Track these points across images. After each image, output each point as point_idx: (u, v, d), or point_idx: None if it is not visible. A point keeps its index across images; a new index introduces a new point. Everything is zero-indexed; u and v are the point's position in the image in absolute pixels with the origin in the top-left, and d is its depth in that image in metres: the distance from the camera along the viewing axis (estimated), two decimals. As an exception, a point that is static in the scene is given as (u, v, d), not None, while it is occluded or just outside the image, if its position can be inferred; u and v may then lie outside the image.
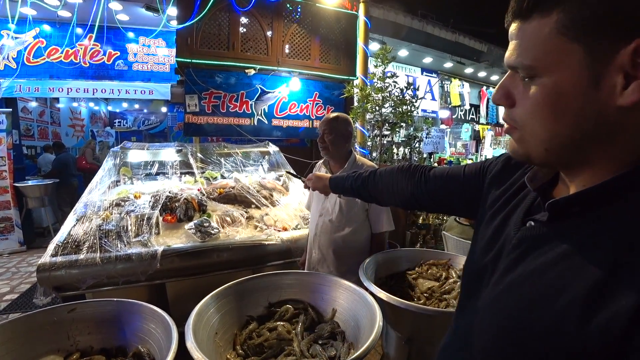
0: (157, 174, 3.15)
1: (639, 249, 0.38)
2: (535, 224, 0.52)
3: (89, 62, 5.76)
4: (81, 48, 5.66)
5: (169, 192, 2.58)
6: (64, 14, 5.13)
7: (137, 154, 3.14)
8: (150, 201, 2.49)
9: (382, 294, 1.21)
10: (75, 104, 8.93)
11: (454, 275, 1.60)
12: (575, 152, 0.46)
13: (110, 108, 10.56)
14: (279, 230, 2.48)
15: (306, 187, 1.49)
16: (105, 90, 5.84)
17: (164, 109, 9.85)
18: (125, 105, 10.37)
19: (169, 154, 3.23)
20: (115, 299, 1.23)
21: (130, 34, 5.92)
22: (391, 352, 1.47)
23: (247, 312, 1.30)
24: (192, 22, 4.07)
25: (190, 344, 0.95)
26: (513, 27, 0.47)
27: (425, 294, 1.48)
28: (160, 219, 2.36)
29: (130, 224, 2.23)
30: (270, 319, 1.31)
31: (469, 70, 10.58)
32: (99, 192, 2.63)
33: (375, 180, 1.06)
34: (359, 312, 1.19)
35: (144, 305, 1.19)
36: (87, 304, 1.26)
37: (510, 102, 0.49)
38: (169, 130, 8.76)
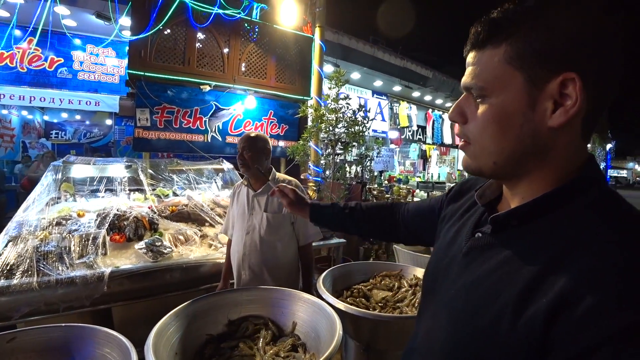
0: (104, 190, 2.96)
1: (561, 256, 0.45)
2: (482, 235, 0.59)
3: (26, 67, 5.32)
4: (19, 51, 5.22)
5: (117, 210, 2.46)
6: (3, 13, 4.73)
7: (81, 169, 2.95)
8: (96, 220, 2.34)
9: (341, 305, 1.27)
10: (4, 112, 8.07)
11: (406, 285, 1.72)
12: (517, 166, 0.53)
13: (46, 118, 9.65)
14: (230, 248, 2.46)
15: (274, 193, 1.20)
16: (44, 99, 5.41)
17: (109, 122, 9.25)
18: (64, 115, 9.54)
19: (117, 169, 3.07)
20: (63, 324, 1.16)
21: (77, 41, 5.58)
22: (350, 362, 1.52)
23: (207, 331, 1.29)
24: (147, 34, 3.96)
25: (151, 365, 0.93)
26: (470, 56, 0.55)
27: (380, 304, 1.56)
28: (108, 238, 2.23)
29: (74, 245, 2.08)
30: (231, 337, 1.30)
31: (416, 94, 11.37)
32: (35, 209, 2.42)
33: (362, 213, 1.09)
34: (319, 324, 1.23)
35: (97, 328, 1.13)
36: (29, 332, 1.16)
37: (463, 119, 0.57)
38: (114, 144, 8.23)
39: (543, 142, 0.50)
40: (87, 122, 9.99)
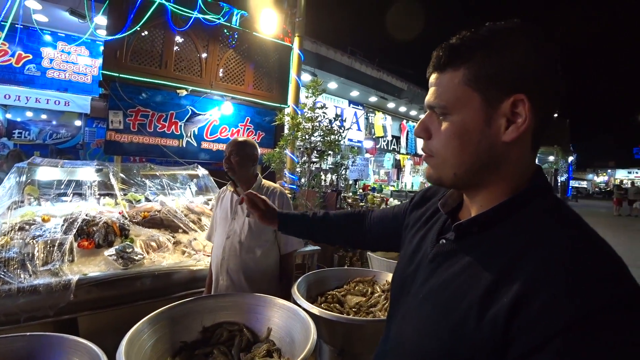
0: (72, 194, 2.85)
1: (518, 258, 0.49)
2: (446, 241, 0.63)
3: (-10, 62, 5.01)
4: (-18, 46, 4.93)
5: (86, 215, 2.37)
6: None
7: (47, 172, 2.82)
8: (62, 225, 2.25)
9: (315, 309, 1.30)
10: (-38, 108, 7.55)
11: (379, 290, 1.77)
12: (475, 177, 0.59)
13: (9, 116, 9.10)
14: (208, 255, 2.42)
15: (242, 201, 1.15)
16: (8, 96, 5.12)
17: (77, 123, 8.81)
18: (29, 114, 9.03)
19: (86, 173, 2.96)
20: (27, 333, 1.11)
21: (48, 37, 5.33)
22: (324, 367, 1.54)
23: (180, 338, 1.27)
24: (124, 34, 3.88)
25: (123, 373, 0.91)
26: (433, 77, 0.61)
27: (353, 309, 1.60)
28: (75, 244, 2.15)
29: (38, 251, 1.99)
30: (205, 343, 1.30)
31: (391, 105, 11.66)
32: (-4, 214, 2.30)
33: (330, 222, 1.12)
34: (293, 328, 1.25)
35: (64, 337, 1.09)
36: (-12, 342, 1.11)
37: (427, 135, 0.62)
38: (84, 147, 7.88)
39: (498, 155, 0.56)
40: (54, 123, 9.46)
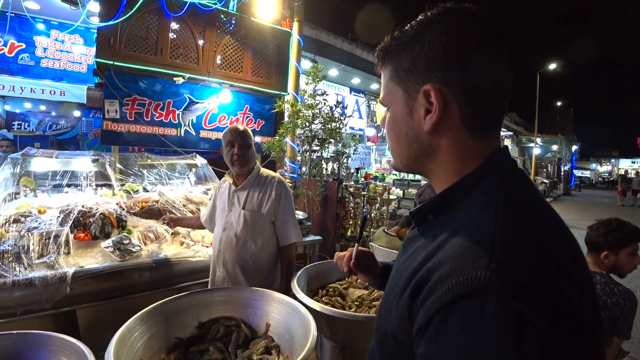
0: (68, 185, 2.80)
1: (445, 241, 0.48)
2: (414, 229, 0.64)
3: (-18, 53, 4.92)
4: (-26, 35, 4.84)
5: (82, 207, 2.33)
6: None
7: (43, 163, 2.77)
8: (58, 217, 2.21)
9: (316, 305, 1.25)
10: (-41, 100, 7.49)
11: (381, 284, 1.72)
12: (418, 165, 0.61)
13: (7, 107, 9.03)
14: (207, 247, 2.39)
15: (354, 267, 0.90)
16: (3, 87, 5.04)
17: (77, 113, 8.74)
18: (28, 105, 8.96)
19: (83, 163, 2.91)
20: (15, 332, 1.07)
21: (41, 26, 5.20)
22: (325, 362, 1.50)
23: (175, 334, 1.24)
24: (117, 21, 3.77)
25: (112, 374, 0.87)
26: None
27: (356, 302, 1.56)
28: (71, 236, 2.12)
29: (33, 243, 1.96)
30: (201, 339, 1.25)
31: (393, 92, 11.46)
32: (-9, 206, 2.26)
33: None
34: (293, 325, 1.21)
35: (52, 335, 1.05)
36: (-24, 340, 1.07)
37: (384, 125, 0.66)
38: (82, 137, 7.83)
39: (427, 144, 0.57)
40: (53, 113, 9.40)
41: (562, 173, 23.61)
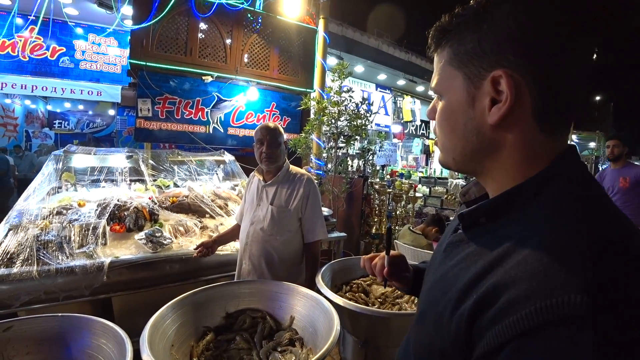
0: (105, 180, 2.96)
1: (504, 254, 0.43)
2: (459, 231, 0.59)
3: (28, 56, 5.28)
4: (20, 40, 5.18)
5: (118, 200, 2.45)
6: (4, 1, 4.69)
7: (82, 159, 2.93)
8: (96, 210, 2.34)
9: (339, 300, 1.26)
10: (8, 101, 8.04)
11: (405, 281, 1.70)
12: (473, 162, 0.54)
13: (49, 107, 9.61)
14: (234, 241, 2.45)
15: (388, 273, 0.86)
16: (46, 88, 5.38)
17: (111, 112, 9.23)
18: (67, 105, 9.49)
19: (118, 159, 3.06)
20: (60, 314, 1.15)
21: (79, 30, 5.53)
22: (348, 357, 1.51)
23: (204, 323, 1.28)
24: (149, 23, 3.93)
25: (147, 357, 0.92)
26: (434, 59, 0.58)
27: (379, 299, 1.55)
28: (108, 228, 2.23)
29: (74, 234, 2.08)
30: (228, 329, 1.30)
31: (420, 88, 11.24)
32: (36, 198, 2.42)
33: None
34: (316, 318, 1.23)
35: (93, 319, 1.12)
36: (25, 321, 1.16)
37: (433, 116, 0.59)
38: (117, 135, 8.23)
39: (489, 139, 0.50)
40: (90, 112, 9.97)
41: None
